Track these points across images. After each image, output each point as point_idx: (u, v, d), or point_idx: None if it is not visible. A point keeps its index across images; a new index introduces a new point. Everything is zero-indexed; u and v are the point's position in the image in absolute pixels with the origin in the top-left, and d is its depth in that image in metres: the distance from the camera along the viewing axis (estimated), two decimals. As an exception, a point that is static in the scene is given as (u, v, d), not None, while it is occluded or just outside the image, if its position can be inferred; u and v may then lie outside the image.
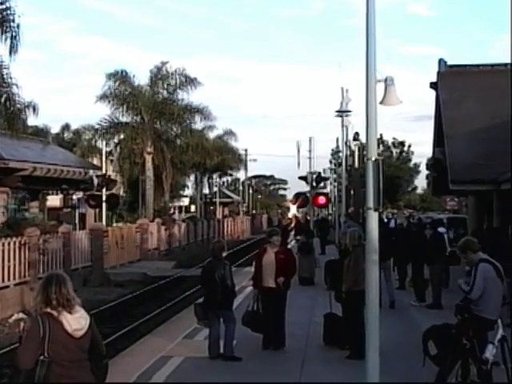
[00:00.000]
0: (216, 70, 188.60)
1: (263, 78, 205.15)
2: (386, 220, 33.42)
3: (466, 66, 28.75)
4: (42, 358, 5.91)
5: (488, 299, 9.56)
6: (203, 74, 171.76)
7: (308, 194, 36.61)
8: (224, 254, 12.74)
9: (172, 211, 68.47)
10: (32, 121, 43.44)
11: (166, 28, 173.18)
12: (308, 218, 36.75)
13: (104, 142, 49.66)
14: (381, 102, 9.27)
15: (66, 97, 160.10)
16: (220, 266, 12.49)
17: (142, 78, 51.15)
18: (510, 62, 27.83)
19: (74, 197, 43.87)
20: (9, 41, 26.12)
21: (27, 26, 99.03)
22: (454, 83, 26.54)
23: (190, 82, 50.69)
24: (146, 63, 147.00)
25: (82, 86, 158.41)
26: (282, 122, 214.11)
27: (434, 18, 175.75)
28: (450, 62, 28.37)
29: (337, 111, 37.04)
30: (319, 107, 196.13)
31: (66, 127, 71.10)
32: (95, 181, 37.98)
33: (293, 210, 77.82)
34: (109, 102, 49.25)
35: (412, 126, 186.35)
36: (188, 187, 79.90)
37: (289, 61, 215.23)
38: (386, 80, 9.16)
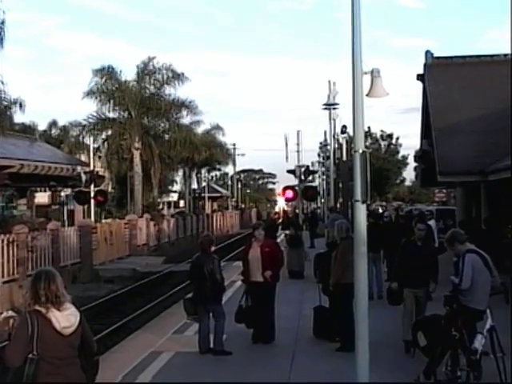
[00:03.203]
0: (204, 63, 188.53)
1: (251, 72, 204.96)
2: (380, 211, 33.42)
3: (452, 57, 28.83)
4: (30, 355, 5.90)
5: (476, 289, 9.59)
6: (191, 68, 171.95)
7: (297, 188, 36.59)
8: (212, 249, 12.74)
9: (161, 206, 68.42)
10: (19, 118, 43.50)
11: (153, 22, 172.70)
12: (297, 211, 36.78)
13: (91, 138, 49.57)
14: (367, 94, 9.28)
15: (54, 93, 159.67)
16: (208, 261, 12.47)
17: (129, 74, 51.19)
18: (497, 53, 28.10)
19: (62, 193, 43.88)
20: (-7, 37, 25.99)
21: (15, 22, 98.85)
22: (441, 75, 26.60)
23: (176, 77, 50.70)
24: (134, 58, 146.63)
25: (70, 82, 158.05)
26: (270, 116, 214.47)
27: (423, 9, 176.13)
28: (440, 54, 28.50)
29: (324, 104, 37.08)
30: (308, 100, 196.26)
31: (54, 124, 70.95)
32: (83, 177, 37.86)
33: (280, 202, 77.88)
34: (96, 98, 49.22)
35: (402, 118, 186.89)
36: (177, 182, 79.95)
37: (277, 54, 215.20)
38: (372, 72, 9.16)
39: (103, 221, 44.97)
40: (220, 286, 12.62)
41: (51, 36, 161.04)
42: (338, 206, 40.73)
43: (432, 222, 22.02)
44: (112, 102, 49.57)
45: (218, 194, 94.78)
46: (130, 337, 16.07)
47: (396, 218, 26.05)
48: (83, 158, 50.64)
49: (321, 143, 61.71)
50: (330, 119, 37.94)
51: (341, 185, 40.46)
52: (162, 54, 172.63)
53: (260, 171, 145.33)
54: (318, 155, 67.16)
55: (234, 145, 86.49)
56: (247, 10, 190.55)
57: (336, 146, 41.05)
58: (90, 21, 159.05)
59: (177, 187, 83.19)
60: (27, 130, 55.62)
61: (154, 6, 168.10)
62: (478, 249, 9.97)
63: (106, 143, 52.52)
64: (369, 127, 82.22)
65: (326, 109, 37.37)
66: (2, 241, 24.23)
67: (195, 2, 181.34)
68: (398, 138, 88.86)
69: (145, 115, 50.93)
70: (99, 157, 55.18)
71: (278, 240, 28.80)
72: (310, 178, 42.13)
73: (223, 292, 13.07)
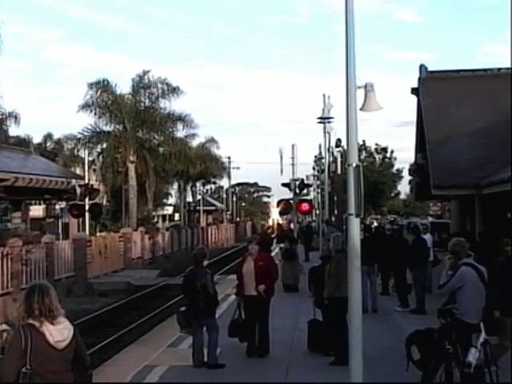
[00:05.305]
0: (202, 77, 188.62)
1: (247, 85, 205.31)
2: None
3: (446, 71, 28.98)
4: (23, 369, 5.88)
5: (468, 303, 9.59)
6: (189, 81, 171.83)
7: (291, 201, 36.67)
8: (205, 263, 12.71)
9: (156, 220, 68.37)
10: (14, 130, 43.48)
11: (152, 36, 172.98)
12: (292, 225, 36.83)
13: (86, 152, 49.59)
14: (361, 109, 9.31)
15: (50, 106, 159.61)
16: (201, 274, 12.45)
17: (124, 87, 51.29)
18: (491, 67, 28.25)
19: (57, 207, 43.72)
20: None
21: (13, 35, 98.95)
22: (435, 89, 26.72)
23: (172, 90, 50.85)
24: (132, 71, 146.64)
25: (67, 95, 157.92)
26: (266, 129, 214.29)
27: (419, 23, 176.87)
28: (436, 68, 28.71)
29: (319, 118, 37.14)
30: (303, 114, 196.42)
31: (49, 137, 70.98)
32: (78, 190, 37.81)
33: (274, 214, 77.94)
34: (91, 111, 49.30)
35: (398, 132, 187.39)
36: (171, 196, 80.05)
37: (273, 67, 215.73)
38: (365, 86, 9.19)
39: (98, 234, 44.91)
40: (213, 299, 12.59)
41: (48, 49, 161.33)
42: (333, 219, 40.80)
43: (427, 236, 22.03)
44: (107, 115, 49.63)
45: (213, 208, 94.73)
46: (124, 350, 16.03)
47: (392, 232, 26.02)
48: (78, 171, 50.57)
49: (315, 156, 61.84)
50: (324, 133, 37.97)
51: (335, 198, 40.60)
52: (160, 68, 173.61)
53: (255, 184, 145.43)
54: (313, 168, 67.28)
55: (229, 158, 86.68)
56: (244, 23, 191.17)
57: (331, 159, 41.19)
58: (87, 34, 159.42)
59: (172, 200, 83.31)
60: (22, 143, 55.58)
61: (152, 19, 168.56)
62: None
63: (100, 156, 52.55)
64: (364, 141, 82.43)
65: (320, 122, 37.42)
66: (-4, 254, 24.18)
67: (194, 16, 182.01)
68: (392, 152, 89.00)
69: (140, 128, 50.99)
70: (94, 170, 55.17)
71: (273, 253, 28.79)
72: (305, 191, 42.24)
73: (216, 305, 13.03)
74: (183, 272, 13.73)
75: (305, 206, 36.04)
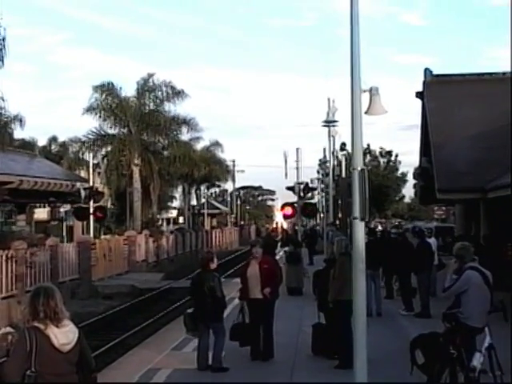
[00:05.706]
0: (205, 80, 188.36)
1: (251, 88, 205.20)
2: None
3: (451, 75, 28.94)
4: (28, 372, 5.88)
5: (472, 307, 9.58)
6: (193, 84, 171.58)
7: (296, 205, 36.62)
8: (213, 266, 12.69)
9: (160, 223, 68.38)
10: (19, 133, 43.50)
11: (155, 38, 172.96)
12: (296, 228, 36.77)
13: (91, 155, 49.64)
14: (366, 112, 9.32)
15: (56, 109, 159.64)
16: (209, 278, 12.44)
17: (129, 90, 51.33)
18: (496, 71, 28.22)
19: (62, 209, 43.83)
20: (-5, 54, 25.96)
21: (17, 37, 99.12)
22: (440, 92, 26.68)
23: (176, 93, 50.87)
24: (136, 74, 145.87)
25: (72, 97, 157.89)
26: (270, 133, 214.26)
27: (425, 27, 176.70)
28: (442, 72, 28.63)
29: (323, 121, 37.16)
30: (308, 117, 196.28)
31: (53, 140, 71.03)
32: (82, 193, 37.87)
33: (278, 218, 77.90)
34: (96, 114, 49.29)
35: (404, 135, 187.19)
36: (176, 199, 79.95)
37: (278, 70, 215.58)
38: (370, 90, 9.20)
39: (102, 237, 44.96)
40: (221, 303, 12.57)
41: (54, 52, 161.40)
42: (338, 222, 40.77)
43: (432, 240, 22.01)
44: (112, 118, 49.65)
45: (218, 211, 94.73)
46: (129, 353, 16.03)
47: (397, 235, 26.01)
48: (83, 173, 50.70)
49: (320, 160, 61.79)
50: (329, 136, 38.00)
51: (340, 201, 40.54)
52: (164, 70, 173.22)
53: (259, 188, 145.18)
54: (318, 172, 67.18)
55: (234, 161, 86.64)
56: (248, 26, 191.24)
57: (335, 162, 41.19)
58: (92, 37, 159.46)
59: (176, 203, 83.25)
60: (27, 146, 55.60)
61: (156, 22, 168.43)
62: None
63: (105, 159, 52.60)
64: (368, 144, 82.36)
65: (325, 126, 37.44)
66: (1, 256, 24.21)
67: (198, 18, 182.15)
68: (397, 155, 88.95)
69: (144, 131, 51.00)
70: (98, 173, 55.27)
71: (278, 257, 28.79)
72: (310, 194, 42.21)
73: (224, 309, 13.02)
74: (187, 275, 13.77)
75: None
